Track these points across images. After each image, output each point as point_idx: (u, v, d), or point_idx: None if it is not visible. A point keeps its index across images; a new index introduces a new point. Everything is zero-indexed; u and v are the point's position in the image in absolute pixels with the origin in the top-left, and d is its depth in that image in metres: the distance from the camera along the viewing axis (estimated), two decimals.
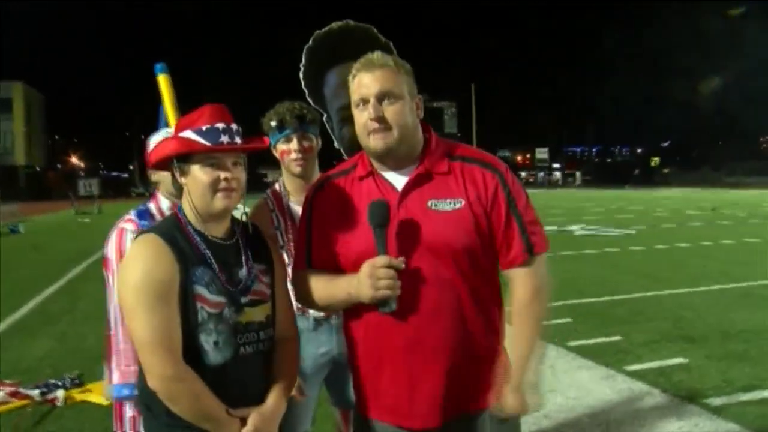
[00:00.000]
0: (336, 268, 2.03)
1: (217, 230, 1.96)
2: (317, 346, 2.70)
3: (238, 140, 1.93)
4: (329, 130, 2.87)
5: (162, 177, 2.66)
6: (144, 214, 2.60)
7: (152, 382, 1.83)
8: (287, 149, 2.73)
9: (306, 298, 2.10)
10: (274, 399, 1.97)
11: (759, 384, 5.02)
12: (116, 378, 2.51)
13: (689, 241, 15.43)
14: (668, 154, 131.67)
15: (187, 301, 1.84)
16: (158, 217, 2.62)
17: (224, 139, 1.89)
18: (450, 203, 1.91)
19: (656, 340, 6.38)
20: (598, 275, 10.06)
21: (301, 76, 2.82)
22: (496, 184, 1.93)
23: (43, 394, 5.23)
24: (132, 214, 2.60)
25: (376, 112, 1.91)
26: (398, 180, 1.98)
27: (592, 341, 6.37)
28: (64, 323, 8.02)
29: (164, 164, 1.99)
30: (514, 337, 1.96)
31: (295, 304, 2.20)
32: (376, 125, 1.91)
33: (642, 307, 7.98)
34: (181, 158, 1.91)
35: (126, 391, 2.49)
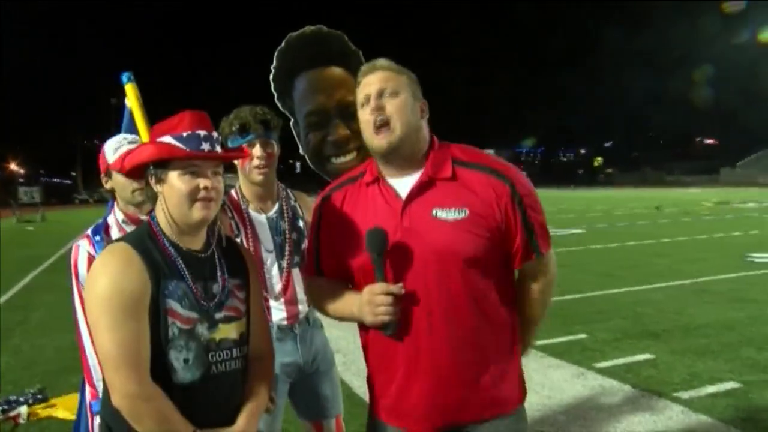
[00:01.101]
0: (345, 274, 2.05)
1: (193, 242, 1.88)
2: (282, 356, 2.60)
3: (218, 148, 1.86)
4: (295, 135, 2.82)
5: (117, 184, 2.58)
6: (99, 229, 2.54)
7: (116, 400, 1.73)
8: (249, 155, 2.61)
9: (319, 307, 2.15)
10: (244, 419, 1.89)
11: (723, 376, 5.19)
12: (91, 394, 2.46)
13: (638, 239, 15.88)
14: (610, 154, 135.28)
15: (157, 316, 1.75)
16: (115, 230, 2.56)
17: (205, 146, 1.82)
18: (454, 212, 1.90)
19: (620, 337, 6.53)
20: None
21: (271, 78, 2.76)
22: (507, 195, 1.92)
23: (4, 411, 5.03)
24: (89, 231, 2.55)
25: (377, 103, 1.93)
26: (402, 186, 1.98)
27: (558, 340, 6.46)
28: (18, 336, 7.73)
29: (139, 171, 1.89)
30: (524, 321, 2.09)
31: None
32: (376, 115, 1.92)
33: (601, 305, 8.15)
34: (159, 165, 1.82)
35: None
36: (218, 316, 1.85)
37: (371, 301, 1.86)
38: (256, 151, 2.59)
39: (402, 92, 1.96)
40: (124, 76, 3.23)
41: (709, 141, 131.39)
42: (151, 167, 1.84)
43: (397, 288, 1.85)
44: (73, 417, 4.85)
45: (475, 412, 1.95)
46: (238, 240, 2.58)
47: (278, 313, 2.65)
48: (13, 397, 5.23)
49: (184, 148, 1.80)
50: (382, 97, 1.94)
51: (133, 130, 3.12)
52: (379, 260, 1.87)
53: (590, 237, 16.49)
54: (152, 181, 1.85)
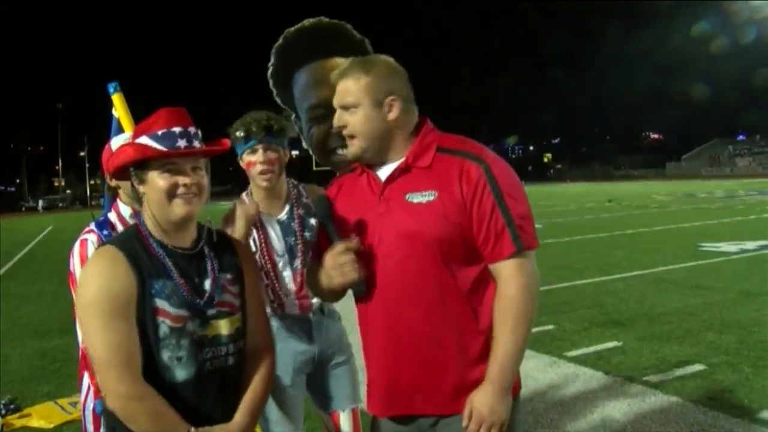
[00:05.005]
0: None
1: (180, 239, 1.88)
2: (297, 345, 2.67)
3: (197, 144, 1.86)
4: (298, 130, 2.83)
5: (122, 182, 2.61)
6: (104, 224, 2.55)
7: (110, 401, 1.75)
8: (252, 161, 2.64)
9: (311, 287, 2.17)
10: (242, 416, 1.88)
11: (689, 360, 5.41)
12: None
13: (594, 232, 16.29)
14: (559, 150, 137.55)
15: (145, 316, 1.76)
16: (119, 226, 2.56)
17: (181, 143, 1.82)
18: (424, 195, 1.92)
19: (586, 327, 6.72)
20: None
21: (269, 75, 2.75)
22: (480, 176, 1.90)
23: None
24: (92, 225, 2.55)
25: (337, 121, 2.03)
26: (385, 174, 2.03)
27: None
28: None
29: (122, 173, 1.90)
30: (495, 337, 1.90)
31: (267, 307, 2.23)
32: (339, 130, 2.03)
33: (565, 296, 8.35)
34: (139, 165, 1.83)
35: None
36: (210, 312, 1.85)
37: (335, 263, 1.92)
38: (258, 156, 2.62)
39: (362, 103, 1.98)
40: (110, 87, 3.20)
41: (654, 135, 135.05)
42: (132, 169, 1.85)
43: (354, 243, 1.91)
44: (49, 426, 4.83)
45: (435, 405, 1.96)
46: (251, 241, 2.62)
47: (291, 306, 2.69)
48: None
49: (159, 146, 1.81)
50: (343, 110, 2.01)
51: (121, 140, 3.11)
52: (329, 225, 1.97)
53: (548, 231, 16.77)
54: (135, 182, 1.87)
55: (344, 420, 2.81)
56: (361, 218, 2.01)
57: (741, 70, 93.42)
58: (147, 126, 1.85)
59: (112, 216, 2.60)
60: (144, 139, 1.83)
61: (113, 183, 2.64)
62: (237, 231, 2.48)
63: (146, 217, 1.88)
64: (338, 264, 1.91)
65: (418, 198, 1.93)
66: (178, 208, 1.82)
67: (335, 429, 2.83)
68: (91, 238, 2.48)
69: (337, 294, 2.09)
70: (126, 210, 2.60)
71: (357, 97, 1.98)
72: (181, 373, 1.79)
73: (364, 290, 1.96)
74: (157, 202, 1.82)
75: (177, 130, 1.83)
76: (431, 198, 1.91)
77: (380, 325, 2.00)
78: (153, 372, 1.76)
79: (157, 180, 1.81)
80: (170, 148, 1.81)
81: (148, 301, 1.77)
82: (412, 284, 1.92)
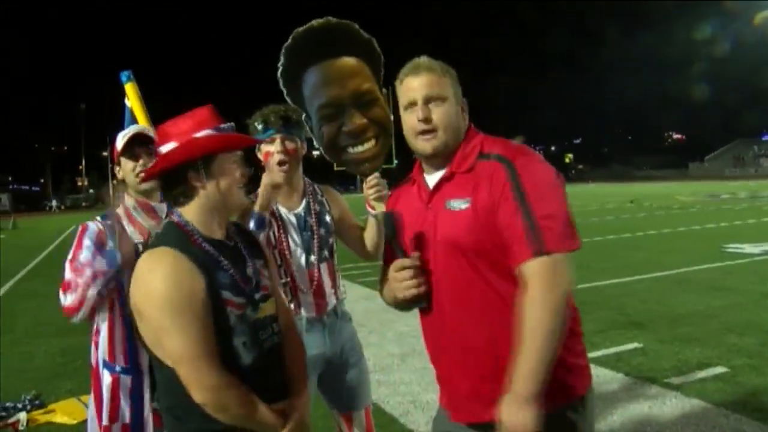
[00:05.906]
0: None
1: (220, 233, 1.96)
2: (310, 348, 2.62)
3: None
4: (308, 130, 2.86)
5: (126, 171, 2.65)
6: (109, 215, 2.62)
7: (201, 396, 1.78)
8: (270, 151, 2.67)
9: (387, 301, 2.17)
10: (302, 387, 2.05)
11: (711, 362, 5.36)
12: None
13: (615, 232, 16.12)
14: (580, 151, 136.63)
15: (217, 308, 1.83)
16: (123, 217, 2.63)
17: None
18: (460, 203, 1.93)
19: (607, 328, 6.67)
20: None
21: (279, 75, 2.77)
22: (504, 177, 1.86)
23: (2, 418, 5.01)
24: (97, 217, 2.64)
25: (424, 113, 1.98)
26: (433, 181, 2.06)
27: None
28: (4, 345, 7.62)
29: (180, 168, 1.87)
30: (517, 345, 1.78)
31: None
32: (423, 126, 1.98)
33: (585, 297, 8.25)
34: (205, 159, 1.86)
35: None
36: (257, 296, 1.96)
37: (395, 278, 1.99)
38: (276, 146, 2.65)
39: (447, 98, 2.00)
40: (123, 75, 3.19)
41: (677, 136, 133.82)
42: (199, 162, 1.87)
43: (410, 260, 1.97)
44: (72, 422, 4.89)
45: (493, 413, 1.79)
46: (270, 235, 2.65)
47: (307, 305, 2.71)
48: (10, 404, 5.20)
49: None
50: (428, 104, 1.99)
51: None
52: (393, 241, 2.02)
53: None
54: (196, 177, 1.88)
55: (358, 420, 2.84)
56: (413, 228, 2.04)
57: (765, 69, 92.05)
58: (203, 121, 1.91)
59: (120, 210, 2.66)
60: (210, 132, 1.89)
61: (120, 175, 2.69)
62: (260, 200, 2.54)
63: (194, 213, 1.91)
64: (398, 280, 1.98)
65: (455, 205, 1.94)
66: (243, 196, 1.96)
67: (348, 429, 2.85)
68: (92, 224, 2.58)
69: (409, 305, 2.09)
70: (130, 201, 2.65)
71: (442, 91, 2.00)
72: (248, 357, 1.88)
73: (423, 305, 2.02)
74: (226, 192, 1.90)
75: (232, 124, 1.96)
76: (466, 205, 1.92)
77: (434, 332, 2.05)
78: (228, 360, 1.83)
79: (234, 170, 1.91)
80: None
81: (216, 294, 1.84)
82: (458, 292, 1.94)
